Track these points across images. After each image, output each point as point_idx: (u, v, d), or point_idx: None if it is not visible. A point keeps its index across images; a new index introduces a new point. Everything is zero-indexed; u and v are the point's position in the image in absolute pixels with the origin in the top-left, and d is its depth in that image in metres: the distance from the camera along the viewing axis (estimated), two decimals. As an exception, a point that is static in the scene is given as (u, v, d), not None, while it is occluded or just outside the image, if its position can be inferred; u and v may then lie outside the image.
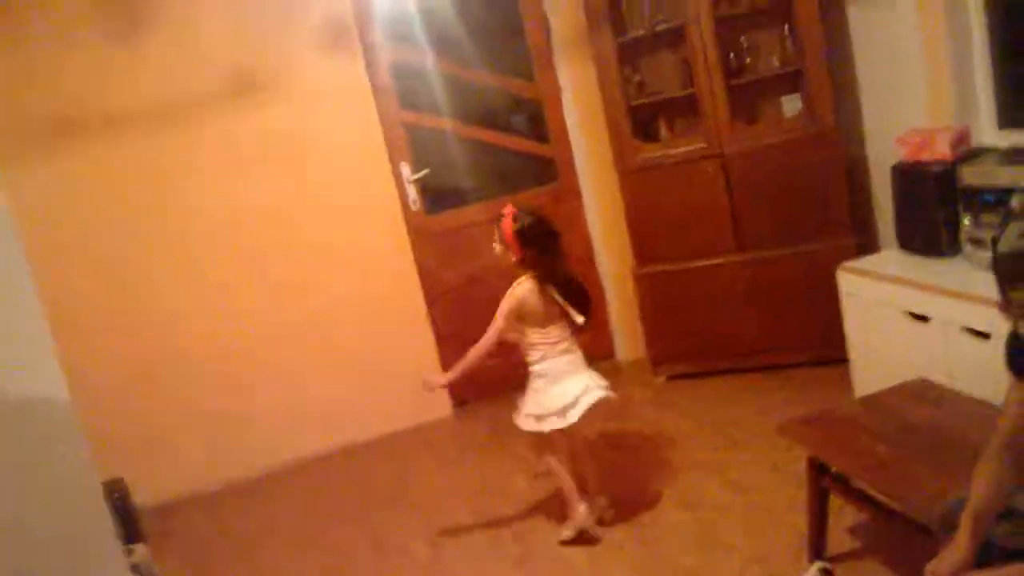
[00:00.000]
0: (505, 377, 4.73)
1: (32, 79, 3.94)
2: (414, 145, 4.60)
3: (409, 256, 4.58)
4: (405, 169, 4.56)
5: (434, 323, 4.67)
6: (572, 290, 3.15)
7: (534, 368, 3.19)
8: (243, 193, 4.28)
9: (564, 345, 3.18)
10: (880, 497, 2.45)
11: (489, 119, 4.82)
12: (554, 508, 3.45)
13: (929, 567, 1.79)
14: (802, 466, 3.17)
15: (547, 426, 3.15)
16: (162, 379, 4.27)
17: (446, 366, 4.63)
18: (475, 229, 4.64)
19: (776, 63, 4.23)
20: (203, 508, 4.21)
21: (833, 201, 4.06)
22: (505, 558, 3.22)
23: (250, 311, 4.36)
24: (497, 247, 3.19)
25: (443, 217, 4.71)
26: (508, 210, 3.17)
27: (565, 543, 3.22)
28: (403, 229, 4.56)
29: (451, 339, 4.65)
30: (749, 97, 4.32)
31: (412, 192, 4.58)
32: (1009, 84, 3.37)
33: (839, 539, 2.84)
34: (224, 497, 4.29)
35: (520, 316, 3.14)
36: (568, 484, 3.23)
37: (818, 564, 2.70)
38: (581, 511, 3.21)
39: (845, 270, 3.56)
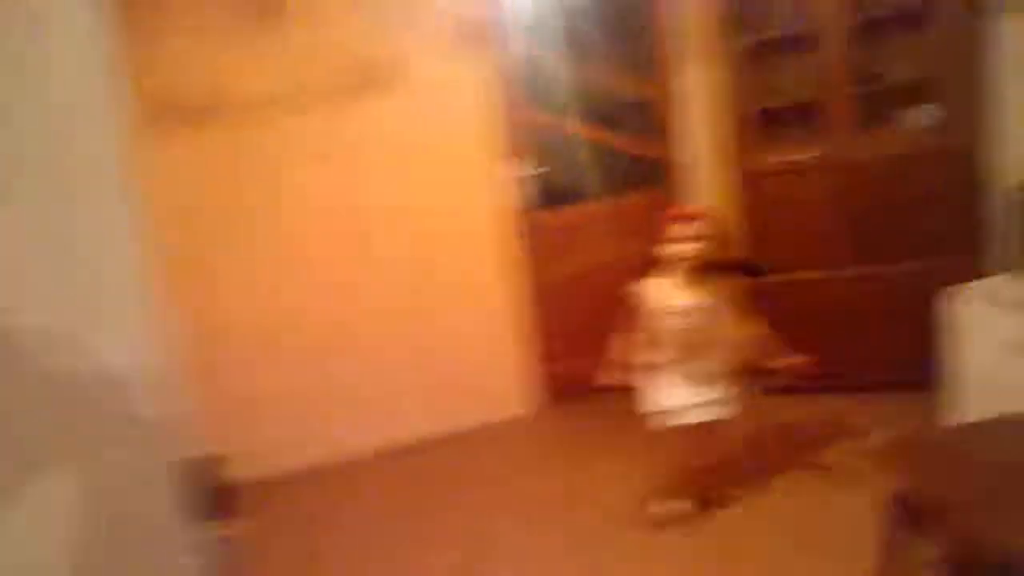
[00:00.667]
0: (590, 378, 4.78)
1: (151, 65, 3.95)
2: (528, 140, 4.62)
3: (513, 250, 4.63)
4: (520, 164, 4.62)
5: (535, 319, 4.71)
6: None
7: None
8: (351, 175, 4.36)
9: None
10: (972, 537, 2.31)
11: (603, 118, 4.80)
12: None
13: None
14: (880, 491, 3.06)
15: None
16: (252, 355, 4.38)
17: (545, 360, 4.71)
18: (581, 229, 4.70)
19: (912, 71, 4.03)
20: (288, 487, 4.23)
21: (953, 220, 3.87)
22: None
23: (347, 292, 4.43)
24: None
25: (550, 214, 4.73)
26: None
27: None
28: (510, 222, 4.61)
29: (548, 336, 4.74)
30: (880, 104, 4.12)
31: (522, 188, 4.63)
32: None
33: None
34: (303, 479, 4.30)
35: None
36: None
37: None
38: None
39: (953, 293, 3.41)
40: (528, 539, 3.45)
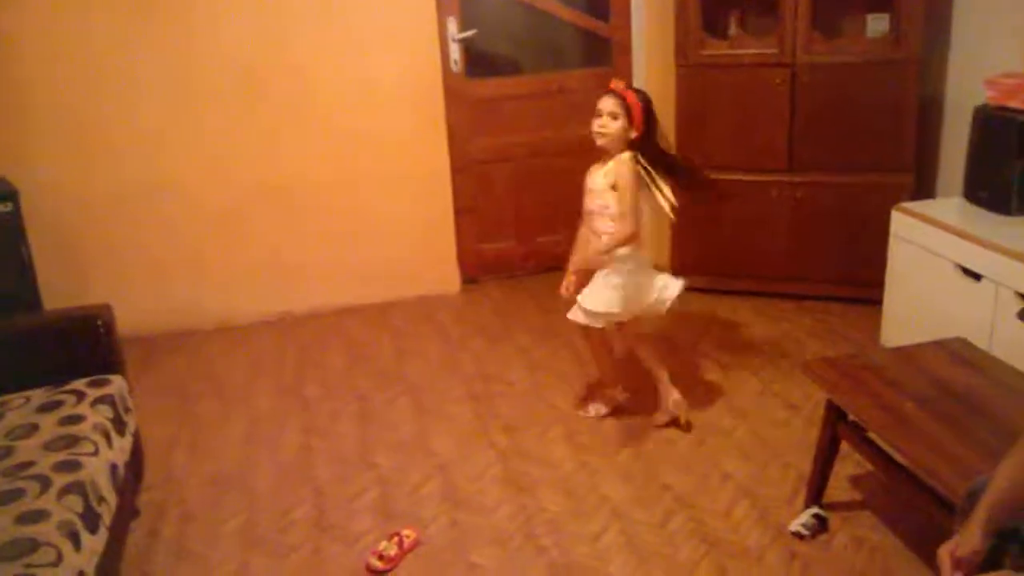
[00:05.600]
0: (518, 259, 4.61)
1: None
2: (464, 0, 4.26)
3: (442, 118, 4.29)
4: (451, 25, 4.25)
5: (457, 195, 4.44)
6: (685, 172, 3.04)
7: (621, 253, 2.91)
8: (272, 26, 3.98)
9: None
10: (895, 455, 2.31)
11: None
12: (545, 407, 3.37)
13: (944, 548, 1.64)
14: (813, 405, 3.09)
15: (623, 317, 2.98)
16: (165, 211, 4.09)
17: (461, 239, 4.49)
18: (515, 102, 4.38)
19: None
20: (189, 344, 4.10)
21: (900, 135, 3.79)
22: (490, 448, 3.11)
23: (265, 150, 4.12)
24: (612, 123, 2.83)
25: (483, 83, 4.40)
26: (622, 83, 2.88)
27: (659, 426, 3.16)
28: (439, 88, 4.25)
29: (468, 212, 4.49)
30: (833, 8, 3.96)
31: (455, 51, 4.29)
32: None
33: (839, 487, 2.73)
34: (210, 337, 4.17)
35: None
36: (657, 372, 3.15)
37: (814, 509, 2.59)
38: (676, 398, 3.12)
39: (901, 210, 3.34)
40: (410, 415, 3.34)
